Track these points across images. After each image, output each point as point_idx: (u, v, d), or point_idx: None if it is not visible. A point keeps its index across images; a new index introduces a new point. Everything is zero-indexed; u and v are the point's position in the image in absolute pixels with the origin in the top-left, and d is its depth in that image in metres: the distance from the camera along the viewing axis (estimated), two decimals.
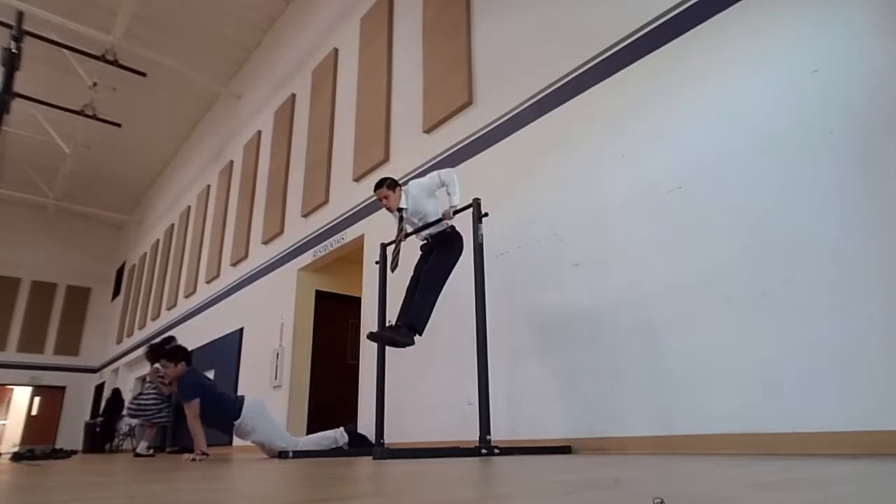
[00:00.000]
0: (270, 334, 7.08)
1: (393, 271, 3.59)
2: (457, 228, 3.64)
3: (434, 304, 3.45)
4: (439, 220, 3.58)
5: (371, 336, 3.44)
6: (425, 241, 3.73)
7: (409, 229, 3.69)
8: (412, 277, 3.65)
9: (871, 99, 2.42)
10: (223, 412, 4.32)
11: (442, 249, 3.60)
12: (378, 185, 3.65)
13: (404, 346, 3.40)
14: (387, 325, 3.50)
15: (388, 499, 1.16)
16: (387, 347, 3.81)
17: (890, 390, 2.14)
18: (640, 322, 3.08)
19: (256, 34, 9.53)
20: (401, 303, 3.58)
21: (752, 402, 2.53)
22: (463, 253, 3.60)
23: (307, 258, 6.73)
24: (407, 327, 3.38)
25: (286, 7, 8.92)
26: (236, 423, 4.31)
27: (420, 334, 3.42)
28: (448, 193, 3.53)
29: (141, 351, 12.50)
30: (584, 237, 3.49)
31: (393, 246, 3.58)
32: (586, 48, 3.72)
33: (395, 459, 2.89)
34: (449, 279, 3.55)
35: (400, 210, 3.60)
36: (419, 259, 3.73)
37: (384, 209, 3.70)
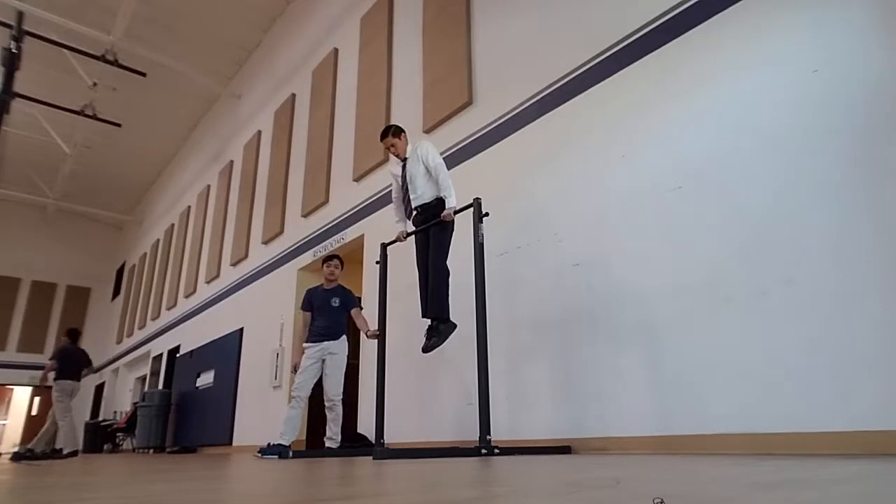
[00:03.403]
0: (270, 334, 7.08)
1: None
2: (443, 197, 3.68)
3: (448, 285, 3.58)
4: (433, 201, 3.69)
5: (427, 349, 3.57)
6: (417, 212, 3.82)
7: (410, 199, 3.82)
8: (419, 266, 3.76)
9: (871, 99, 2.42)
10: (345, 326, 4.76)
11: (435, 230, 3.66)
12: (384, 135, 3.86)
13: (451, 334, 3.55)
14: (425, 331, 3.63)
15: (388, 499, 1.16)
16: (387, 348, 3.87)
17: (889, 390, 2.14)
18: (640, 322, 3.08)
19: (256, 34, 9.53)
20: (418, 293, 3.72)
21: (752, 401, 2.53)
22: (455, 226, 3.65)
23: (307, 258, 6.73)
24: (440, 321, 3.56)
25: (286, 7, 8.92)
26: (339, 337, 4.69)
27: (449, 317, 3.57)
28: (443, 197, 3.61)
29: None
30: (585, 237, 3.49)
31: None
32: (586, 48, 3.72)
33: (395, 459, 2.89)
34: (449, 278, 3.60)
35: (404, 160, 3.81)
36: (417, 245, 3.80)
37: (388, 194, 3.78)
